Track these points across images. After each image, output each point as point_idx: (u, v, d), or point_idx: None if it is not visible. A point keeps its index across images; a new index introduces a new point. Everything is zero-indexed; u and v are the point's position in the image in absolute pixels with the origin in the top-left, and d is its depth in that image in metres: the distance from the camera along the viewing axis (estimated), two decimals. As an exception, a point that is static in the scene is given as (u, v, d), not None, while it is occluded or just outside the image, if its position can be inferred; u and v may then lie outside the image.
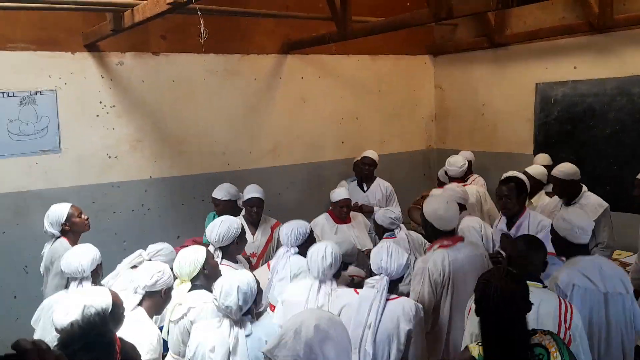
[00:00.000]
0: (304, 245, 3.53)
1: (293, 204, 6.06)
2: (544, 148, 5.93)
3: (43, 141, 4.86)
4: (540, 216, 4.05)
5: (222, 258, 3.46)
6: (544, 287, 2.68)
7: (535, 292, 2.36)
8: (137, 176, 5.35)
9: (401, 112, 7.16)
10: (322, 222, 4.83)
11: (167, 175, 5.50)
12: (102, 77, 5.11)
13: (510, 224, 4.01)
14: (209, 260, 3.06)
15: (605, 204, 4.30)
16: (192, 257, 2.99)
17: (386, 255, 2.74)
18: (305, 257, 3.19)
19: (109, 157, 5.20)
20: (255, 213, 4.50)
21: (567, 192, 4.36)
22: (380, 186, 5.52)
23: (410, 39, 7.03)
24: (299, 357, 1.64)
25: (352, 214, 4.92)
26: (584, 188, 4.42)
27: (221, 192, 4.65)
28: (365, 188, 5.54)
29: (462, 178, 5.37)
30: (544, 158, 5.63)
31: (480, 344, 2.09)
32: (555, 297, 2.60)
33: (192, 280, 3.02)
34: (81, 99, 5.02)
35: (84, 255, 3.06)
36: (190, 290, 3.00)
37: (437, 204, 3.35)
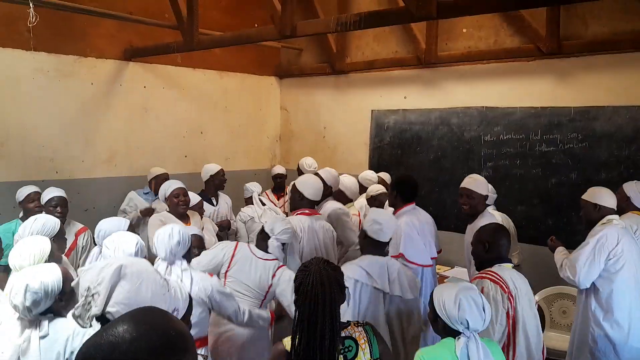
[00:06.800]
0: None
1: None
2: (378, 170, 6.33)
3: None
4: None
5: None
6: (514, 267, 3.00)
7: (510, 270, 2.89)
8: (-58, 180, 4.70)
9: (247, 130, 7.23)
10: (158, 222, 4.21)
11: (-19, 180, 4.90)
12: None
13: None
14: (54, 253, 2.71)
15: None
16: (37, 248, 2.60)
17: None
18: None
19: None
20: (59, 213, 4.01)
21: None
22: (226, 200, 5.54)
23: (258, 60, 7.17)
24: (92, 283, 1.67)
25: (189, 212, 4.50)
26: None
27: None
28: (215, 203, 5.44)
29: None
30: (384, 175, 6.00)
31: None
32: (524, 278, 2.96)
33: None
34: None
35: None
36: None
37: (307, 175, 4.25)
